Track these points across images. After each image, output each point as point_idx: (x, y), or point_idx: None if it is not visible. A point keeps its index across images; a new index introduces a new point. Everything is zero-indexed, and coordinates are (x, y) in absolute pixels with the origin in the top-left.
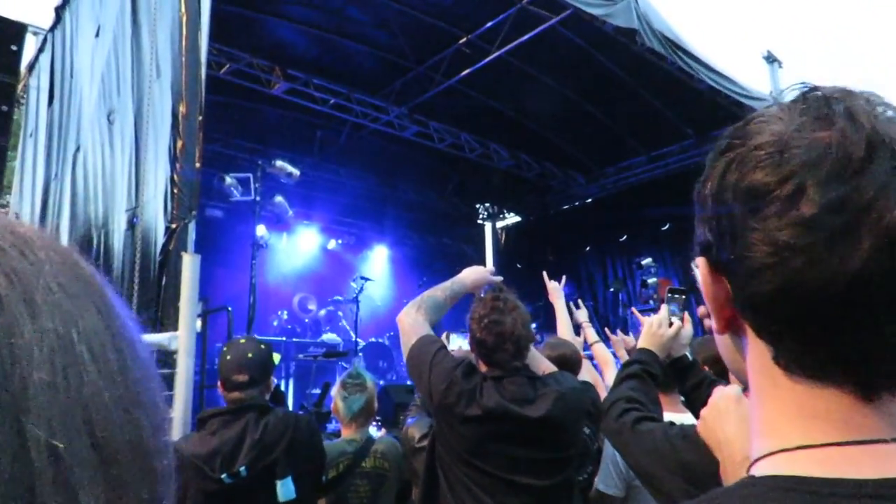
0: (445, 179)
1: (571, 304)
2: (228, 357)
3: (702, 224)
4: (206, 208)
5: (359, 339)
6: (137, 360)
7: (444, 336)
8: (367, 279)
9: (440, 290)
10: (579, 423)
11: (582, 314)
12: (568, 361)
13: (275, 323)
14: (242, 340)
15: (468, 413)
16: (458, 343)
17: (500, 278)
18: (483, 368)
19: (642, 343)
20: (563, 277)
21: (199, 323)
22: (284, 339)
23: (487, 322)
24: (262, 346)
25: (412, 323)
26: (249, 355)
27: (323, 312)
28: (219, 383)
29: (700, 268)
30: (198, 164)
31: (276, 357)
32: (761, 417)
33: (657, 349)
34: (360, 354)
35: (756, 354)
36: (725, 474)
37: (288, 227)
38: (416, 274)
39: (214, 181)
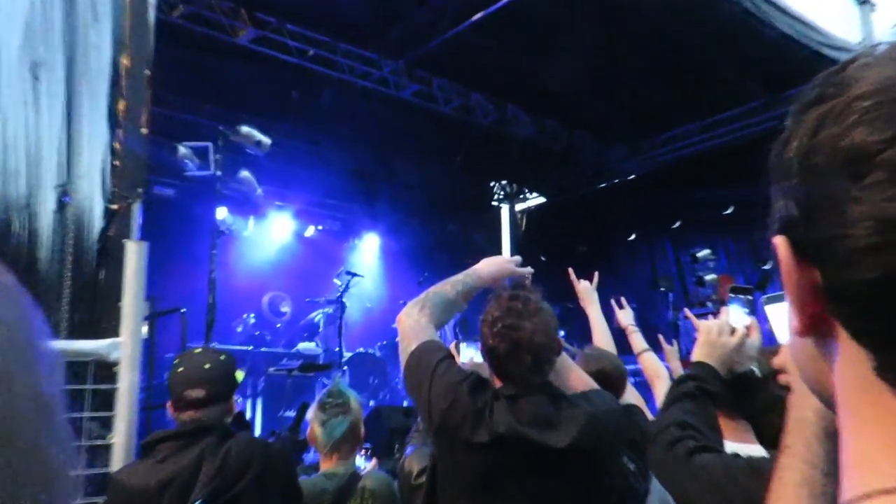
0: (452, 151)
1: (613, 301)
2: (181, 370)
3: (783, 195)
4: (154, 186)
5: (344, 350)
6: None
7: (452, 346)
8: (354, 275)
9: (450, 286)
10: (617, 455)
11: (626, 315)
12: (608, 378)
13: (239, 329)
14: (198, 350)
15: (475, 438)
16: (470, 354)
17: (528, 270)
18: (496, 384)
19: (698, 355)
20: (595, 275)
21: (145, 328)
22: (251, 348)
23: (501, 326)
24: (223, 358)
25: (413, 325)
26: (207, 366)
27: (303, 319)
28: (168, 404)
29: (780, 250)
30: (144, 131)
31: (240, 374)
32: (856, 446)
33: (717, 362)
34: (345, 369)
35: (850, 364)
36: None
37: (256, 210)
38: (416, 269)
39: (165, 152)
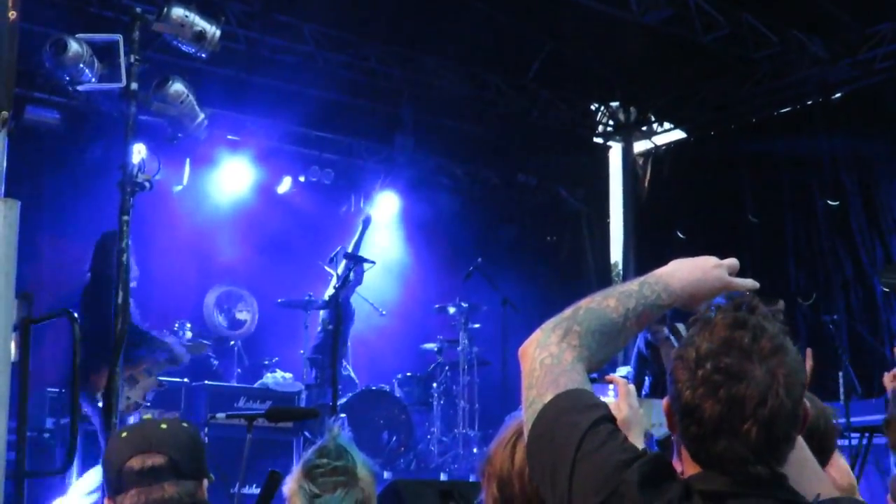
0: (526, 51)
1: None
2: (122, 435)
3: None
4: (27, 105)
5: (338, 385)
6: None
7: (608, 390)
8: (359, 260)
9: (615, 299)
10: None
11: None
12: (811, 435)
13: None
14: (147, 416)
15: None
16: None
17: (751, 283)
18: (688, 470)
19: None
20: (809, 352)
21: (13, 346)
22: (185, 380)
23: (712, 370)
24: (185, 425)
25: (548, 362)
26: (163, 427)
27: (273, 332)
28: (105, 501)
29: None
30: (12, 15)
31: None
32: None
33: None
34: (343, 416)
35: None
36: None
37: (194, 148)
38: (461, 252)
39: (46, 51)
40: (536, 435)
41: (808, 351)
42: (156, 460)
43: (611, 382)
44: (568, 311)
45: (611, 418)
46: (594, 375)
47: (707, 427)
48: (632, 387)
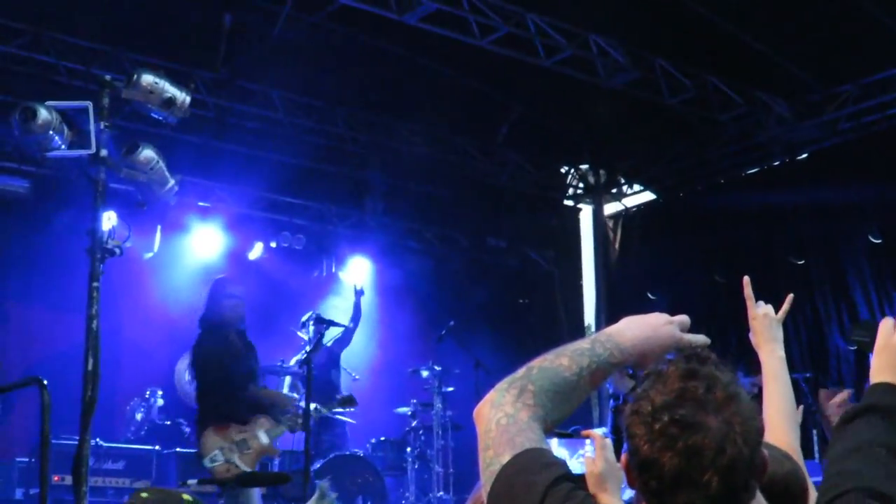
0: (495, 115)
1: None
2: None
3: None
4: None
5: (310, 451)
6: None
7: (550, 441)
8: (330, 324)
9: (567, 358)
10: None
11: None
12: (779, 492)
13: (138, 415)
14: (144, 495)
15: None
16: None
17: (702, 339)
18: None
19: (880, 370)
20: (790, 298)
21: None
22: (157, 448)
23: (669, 422)
24: (188, 498)
25: (503, 422)
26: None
27: None
28: None
29: None
30: None
31: None
32: None
33: None
34: (326, 479)
35: None
36: None
37: (165, 215)
38: (434, 316)
39: (14, 119)
40: (495, 495)
41: (790, 297)
42: None
43: (588, 437)
44: (521, 371)
45: (569, 477)
46: (574, 429)
47: (666, 480)
48: (608, 440)
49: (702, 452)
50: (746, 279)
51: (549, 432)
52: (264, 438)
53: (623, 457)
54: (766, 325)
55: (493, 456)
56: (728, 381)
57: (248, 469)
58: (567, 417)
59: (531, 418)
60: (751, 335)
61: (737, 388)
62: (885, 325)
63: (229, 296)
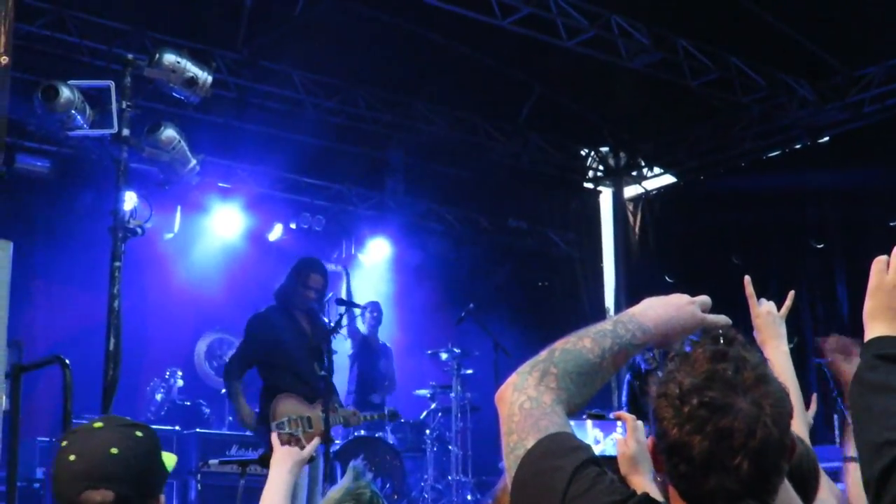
0: (516, 96)
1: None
2: (71, 458)
3: None
4: (17, 154)
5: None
6: None
7: (586, 422)
8: (352, 306)
9: (590, 339)
10: None
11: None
12: (788, 474)
13: (159, 396)
14: (98, 425)
15: None
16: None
17: (724, 319)
18: None
19: (874, 313)
20: (791, 295)
21: (3, 395)
22: (177, 428)
23: (698, 405)
24: (140, 434)
25: (527, 405)
26: (114, 451)
27: None
28: None
29: None
30: (4, 59)
31: (171, 459)
32: None
33: None
34: (360, 459)
35: None
36: None
37: (185, 196)
38: (453, 298)
39: (37, 98)
40: (521, 481)
41: (791, 293)
42: (104, 495)
43: (619, 419)
44: (543, 353)
45: (596, 460)
46: (595, 411)
47: (696, 464)
48: (640, 423)
49: (732, 435)
50: (747, 279)
51: (576, 414)
52: (322, 424)
53: (649, 440)
54: (769, 321)
55: (518, 440)
56: (757, 362)
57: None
58: (589, 399)
59: (555, 401)
60: (755, 333)
61: (765, 370)
62: (877, 264)
63: (303, 275)
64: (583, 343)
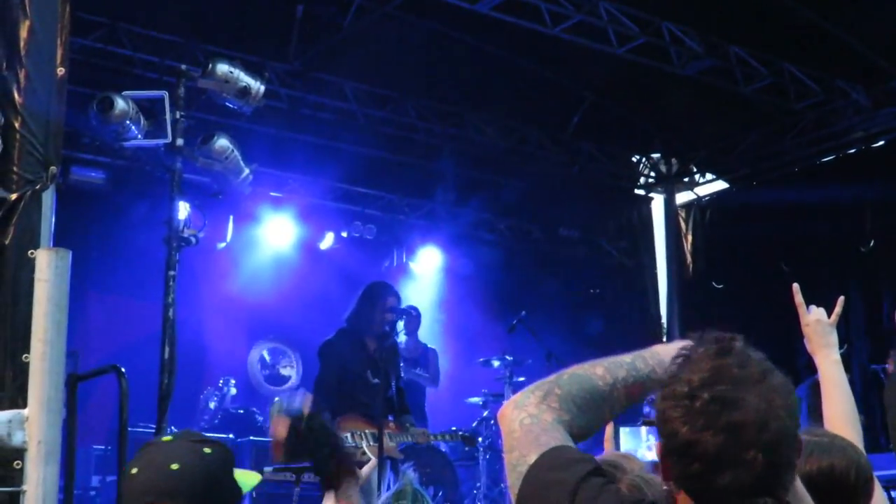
0: (567, 104)
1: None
2: (133, 471)
3: None
4: (72, 166)
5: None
6: None
7: (640, 429)
8: (403, 312)
9: (603, 368)
10: None
11: None
12: (839, 483)
13: (212, 404)
14: (167, 438)
15: None
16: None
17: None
18: None
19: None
20: (840, 300)
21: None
22: (231, 436)
23: (709, 400)
24: (209, 451)
25: (526, 423)
26: (174, 467)
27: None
28: None
29: None
30: (61, 71)
31: (250, 478)
32: None
33: None
34: (410, 465)
35: None
36: None
37: (238, 206)
38: (505, 306)
39: (92, 109)
40: (525, 497)
41: (840, 299)
42: None
43: (652, 425)
44: (552, 376)
45: (600, 471)
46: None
47: (709, 461)
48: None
49: (744, 428)
50: (796, 286)
51: (633, 419)
52: (389, 441)
53: (656, 446)
54: (818, 330)
55: (519, 456)
56: (760, 357)
57: (371, 457)
58: (597, 428)
59: (555, 420)
60: (805, 342)
61: (770, 365)
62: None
63: (379, 300)
64: (594, 370)
